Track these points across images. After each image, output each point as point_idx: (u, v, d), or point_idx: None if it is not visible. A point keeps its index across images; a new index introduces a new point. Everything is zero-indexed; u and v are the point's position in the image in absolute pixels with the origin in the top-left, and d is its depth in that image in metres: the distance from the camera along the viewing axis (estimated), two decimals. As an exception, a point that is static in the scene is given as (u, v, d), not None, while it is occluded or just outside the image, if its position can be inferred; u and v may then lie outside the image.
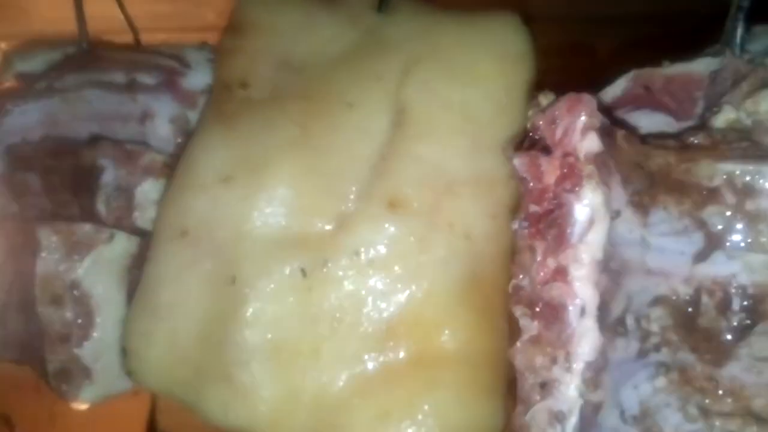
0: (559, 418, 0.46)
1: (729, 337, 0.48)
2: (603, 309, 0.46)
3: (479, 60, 0.61)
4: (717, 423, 0.48)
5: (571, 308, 0.46)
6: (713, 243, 0.48)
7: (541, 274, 0.47)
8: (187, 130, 0.68)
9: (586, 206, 0.46)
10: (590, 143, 0.45)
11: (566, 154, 0.46)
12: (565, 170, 0.46)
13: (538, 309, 0.47)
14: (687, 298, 0.49)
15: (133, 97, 0.67)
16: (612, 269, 0.45)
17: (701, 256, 0.48)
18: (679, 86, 0.55)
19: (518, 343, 0.48)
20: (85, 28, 0.72)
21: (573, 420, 0.46)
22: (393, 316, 0.55)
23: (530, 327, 0.47)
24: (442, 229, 0.56)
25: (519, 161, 0.50)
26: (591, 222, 0.45)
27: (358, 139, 0.58)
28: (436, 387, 0.55)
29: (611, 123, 0.47)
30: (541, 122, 0.48)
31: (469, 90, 0.59)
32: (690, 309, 0.49)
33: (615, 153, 0.47)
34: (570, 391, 0.46)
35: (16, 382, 1.79)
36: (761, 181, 0.48)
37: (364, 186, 0.57)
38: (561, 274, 0.45)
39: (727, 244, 0.48)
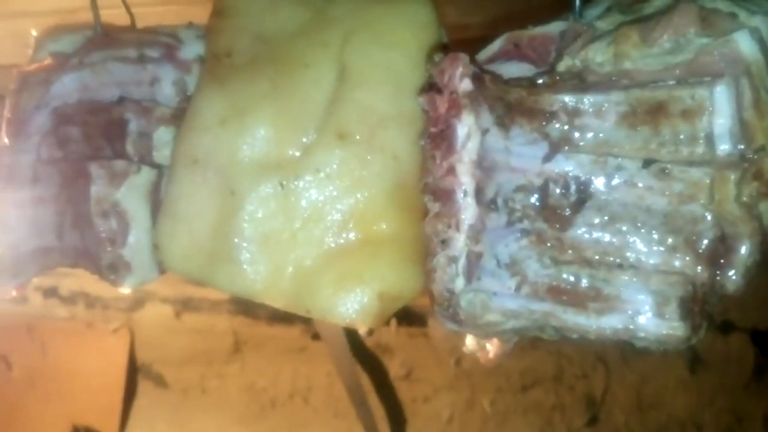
0: (453, 260, 0.61)
1: (568, 211, 0.63)
2: (479, 192, 0.60)
3: (397, 29, 0.71)
4: (562, 267, 0.63)
5: (458, 191, 0.61)
6: (554, 148, 0.62)
7: (439, 172, 0.61)
8: (184, 89, 0.78)
9: (465, 125, 0.60)
10: (465, 85, 0.59)
11: (451, 93, 0.60)
12: (451, 103, 0.61)
13: (437, 194, 0.62)
14: (539, 186, 0.63)
15: (144, 67, 0.77)
16: (485, 167, 0.60)
17: (547, 158, 0.62)
18: (538, 43, 0.66)
19: (427, 218, 0.63)
20: (98, 17, 0.83)
21: (462, 261, 0.60)
22: (345, 212, 0.69)
23: (434, 207, 0.62)
24: (377, 152, 0.68)
25: (422, 99, 0.64)
26: (468, 136, 0.60)
27: (313, 90, 0.70)
28: (377, 258, 0.68)
29: (481, 71, 0.61)
30: (435, 72, 0.62)
31: (391, 51, 0.70)
32: (542, 193, 0.63)
33: (483, 91, 0.60)
34: (459, 243, 0.61)
35: (9, 324, 1.87)
36: (583, 105, 0.61)
37: (319, 123, 0.69)
38: (451, 170, 0.60)
39: (565, 148, 0.62)
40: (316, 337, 1.79)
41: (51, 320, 1.94)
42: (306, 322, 1.81)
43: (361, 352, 1.78)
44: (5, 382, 1.89)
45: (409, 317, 1.75)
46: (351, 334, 1.73)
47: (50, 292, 1.94)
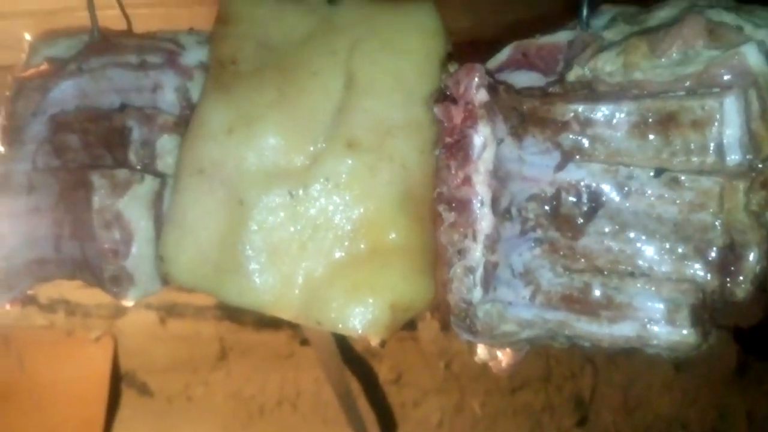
0: (470, 270, 0.61)
1: (580, 220, 0.63)
2: (495, 202, 0.60)
3: (405, 37, 0.71)
4: (575, 276, 0.63)
5: (474, 201, 0.61)
6: (567, 157, 0.62)
7: (455, 182, 0.61)
8: (187, 96, 0.76)
9: (481, 136, 0.60)
10: (481, 95, 0.60)
11: (467, 103, 0.60)
12: (467, 113, 0.61)
13: (453, 204, 0.62)
14: (551, 195, 0.63)
15: (146, 73, 0.75)
16: (500, 177, 0.60)
17: (559, 167, 0.63)
18: (546, 52, 0.67)
19: (442, 228, 0.63)
20: (96, 21, 0.80)
21: (479, 271, 0.60)
22: (355, 221, 0.68)
23: (449, 217, 0.62)
24: (386, 161, 0.68)
25: (437, 109, 0.64)
26: (484, 146, 0.60)
27: (321, 98, 0.69)
28: (388, 268, 0.68)
29: (495, 81, 0.61)
30: (450, 82, 0.62)
31: (399, 59, 0.70)
32: (554, 202, 0.63)
33: (498, 101, 0.61)
34: (476, 253, 0.61)
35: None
36: (594, 115, 0.61)
37: (328, 132, 0.69)
38: (467, 180, 0.60)
39: (576, 157, 0.62)
40: (303, 342, 1.78)
41: (29, 329, 1.89)
42: (293, 327, 1.80)
43: (350, 356, 1.77)
44: (-20, 395, 1.84)
45: (397, 321, 1.74)
46: (339, 339, 1.72)
47: (28, 300, 1.89)
